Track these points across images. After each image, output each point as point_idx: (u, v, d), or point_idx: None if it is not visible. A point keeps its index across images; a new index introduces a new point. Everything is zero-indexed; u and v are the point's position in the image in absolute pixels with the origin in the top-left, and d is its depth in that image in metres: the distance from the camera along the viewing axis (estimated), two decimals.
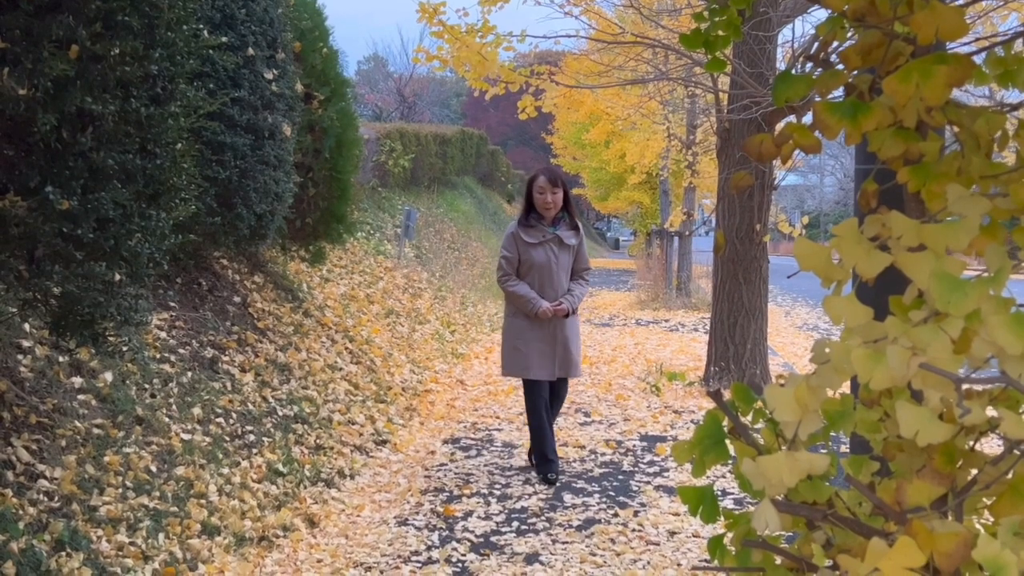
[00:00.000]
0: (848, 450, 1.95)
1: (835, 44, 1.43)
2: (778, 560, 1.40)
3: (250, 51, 5.86)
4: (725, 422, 1.48)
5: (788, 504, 1.34)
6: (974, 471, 1.22)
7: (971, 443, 1.25)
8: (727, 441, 1.47)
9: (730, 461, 1.44)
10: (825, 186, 48.11)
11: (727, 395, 1.46)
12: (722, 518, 1.49)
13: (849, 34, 1.39)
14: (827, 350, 1.20)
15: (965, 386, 1.11)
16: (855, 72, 1.38)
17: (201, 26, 4.25)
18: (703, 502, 1.49)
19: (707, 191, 16.92)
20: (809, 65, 1.47)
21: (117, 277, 3.55)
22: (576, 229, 5.61)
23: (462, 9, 8.33)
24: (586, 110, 16.01)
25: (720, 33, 1.96)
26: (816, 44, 1.47)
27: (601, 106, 14.65)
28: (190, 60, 3.83)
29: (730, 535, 1.47)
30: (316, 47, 7.32)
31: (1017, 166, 1.30)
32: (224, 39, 5.53)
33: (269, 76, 6.05)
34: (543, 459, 5.46)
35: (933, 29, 1.21)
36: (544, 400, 5.52)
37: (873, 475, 1.45)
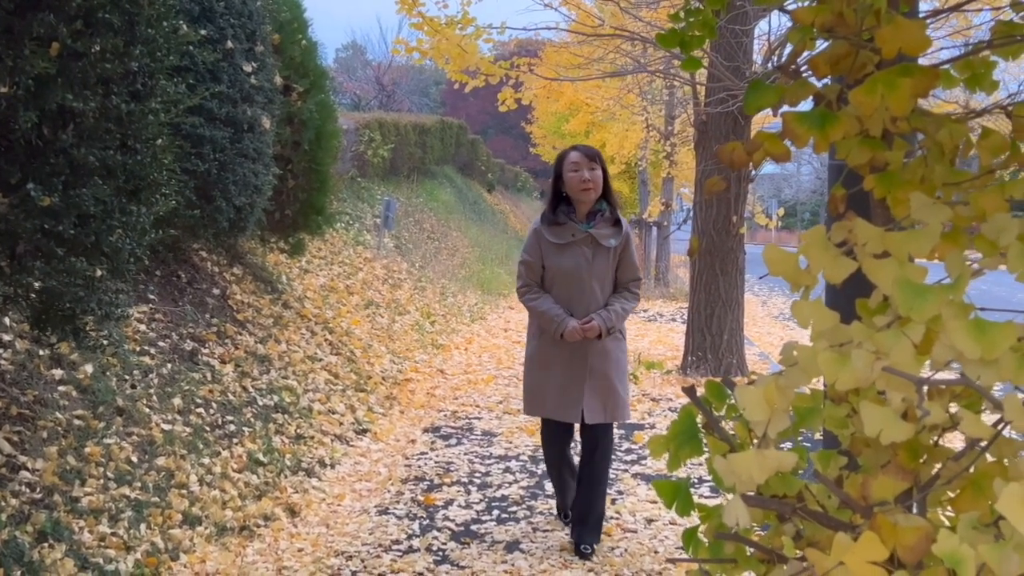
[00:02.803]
0: (821, 441, 2.03)
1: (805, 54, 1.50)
2: (750, 551, 1.47)
3: (229, 44, 5.88)
4: (699, 417, 1.55)
5: (758, 498, 1.40)
6: (937, 466, 1.28)
7: (935, 439, 1.32)
8: (701, 436, 1.55)
9: (704, 454, 1.51)
10: (802, 175, 48.34)
11: (701, 391, 1.53)
12: (696, 511, 1.56)
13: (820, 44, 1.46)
14: (795, 353, 1.27)
15: (927, 387, 1.17)
16: (824, 81, 1.46)
17: (180, 21, 4.27)
18: (678, 496, 1.56)
19: (685, 181, 17.02)
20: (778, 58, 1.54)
21: (98, 272, 3.59)
22: (619, 226, 4.30)
23: (442, 1, 8.37)
24: (566, 101, 16.09)
25: (696, 33, 2.03)
26: (786, 55, 1.54)
27: (581, 97, 14.72)
28: (170, 56, 3.87)
29: (704, 527, 1.54)
30: (295, 39, 7.34)
31: (978, 174, 1.38)
32: (203, 32, 5.57)
33: (248, 69, 6.07)
34: (568, 517, 4.50)
35: (897, 44, 1.27)
36: (563, 451, 4.42)
37: (841, 469, 1.51)
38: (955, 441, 1.29)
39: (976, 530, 1.09)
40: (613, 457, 5.67)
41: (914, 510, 1.26)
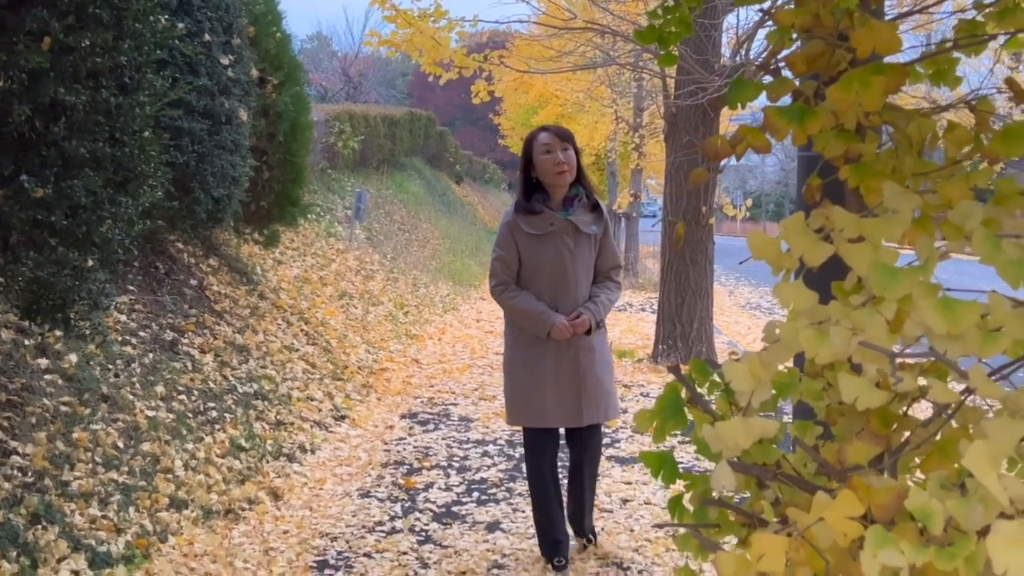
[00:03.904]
0: (791, 419, 2.16)
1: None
2: (732, 517, 1.59)
3: (207, 37, 5.94)
4: (683, 393, 1.68)
5: (741, 465, 1.53)
6: (907, 434, 1.41)
7: (905, 409, 1.45)
8: (685, 410, 1.67)
9: (687, 429, 1.63)
10: (767, 166, 48.77)
11: (684, 370, 1.65)
12: (681, 480, 1.69)
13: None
14: (777, 331, 1.39)
15: (899, 360, 1.30)
16: (801, 79, 1.58)
17: (164, 15, 4.34)
18: (664, 465, 1.69)
19: (653, 172, 17.20)
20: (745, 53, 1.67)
21: (89, 262, 3.67)
22: (598, 211, 3.96)
23: None
24: (535, 93, 16.21)
25: (673, 29, 2.15)
26: (761, 51, 1.67)
27: (551, 89, 14.84)
28: (157, 50, 3.95)
29: (688, 495, 1.66)
30: (270, 31, 7.41)
31: (945, 165, 1.51)
32: (180, 25, 5.62)
33: (225, 62, 6.14)
34: (547, 540, 3.93)
35: (871, 44, 1.40)
36: (554, 461, 3.96)
37: (817, 439, 1.64)
38: (924, 412, 1.42)
39: (944, 488, 1.19)
40: None
41: (886, 474, 1.39)
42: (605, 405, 3.93)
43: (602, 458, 5.41)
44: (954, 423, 1.37)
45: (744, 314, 14.12)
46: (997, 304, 1.23)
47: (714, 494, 1.61)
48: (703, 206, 8.40)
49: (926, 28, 8.65)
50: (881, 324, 1.25)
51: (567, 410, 3.86)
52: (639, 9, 9.32)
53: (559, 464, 4.01)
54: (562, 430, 4.01)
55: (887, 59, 1.50)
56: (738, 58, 7.79)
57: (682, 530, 1.66)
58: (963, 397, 1.32)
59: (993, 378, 1.25)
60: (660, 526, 1.69)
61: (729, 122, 11.71)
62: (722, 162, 9.10)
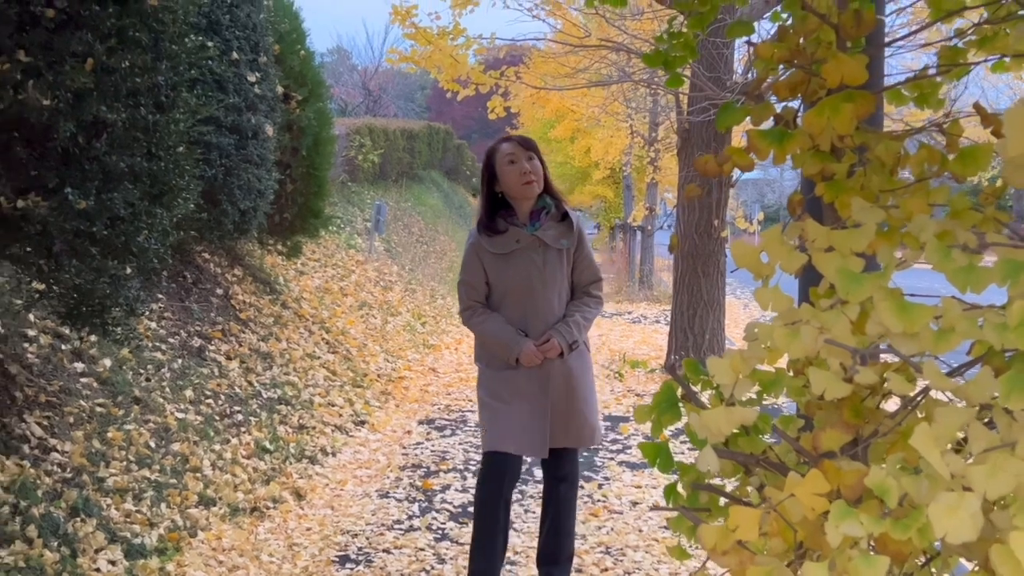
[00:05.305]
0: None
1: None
2: (722, 502, 1.77)
3: (235, 55, 6.18)
4: (679, 391, 1.86)
5: (727, 451, 1.71)
6: (878, 426, 1.59)
7: (877, 403, 1.62)
8: (680, 405, 1.85)
9: (682, 422, 1.81)
10: (785, 180, 48.80)
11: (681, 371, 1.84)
12: (675, 468, 1.86)
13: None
14: (756, 330, 1.58)
15: (859, 356, 1.47)
16: (784, 104, 1.77)
17: (195, 35, 4.57)
18: (660, 455, 1.87)
19: (669, 186, 17.36)
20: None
21: (127, 270, 3.89)
22: (567, 221, 3.68)
23: (434, 12, 8.68)
24: (551, 108, 16.40)
25: (679, 54, 2.34)
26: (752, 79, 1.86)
27: (567, 104, 15.05)
28: (191, 70, 4.17)
29: (682, 481, 1.84)
30: (294, 49, 7.65)
31: (910, 183, 1.69)
32: (210, 44, 5.86)
33: (252, 79, 6.37)
34: None
35: (839, 76, 1.59)
36: (504, 491, 3.58)
37: (799, 430, 1.81)
38: (895, 407, 1.59)
39: (903, 470, 1.35)
40: (599, 446, 5.97)
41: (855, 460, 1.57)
42: (578, 431, 3.60)
43: (612, 463, 5.60)
44: (920, 414, 1.55)
45: None
46: (949, 307, 1.40)
47: (704, 479, 1.80)
48: (715, 219, 8.57)
49: (931, 48, 8.78)
50: (845, 323, 1.42)
51: (532, 436, 3.54)
52: (654, 27, 9.52)
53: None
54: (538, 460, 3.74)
55: (894, 77, 1.67)
56: (750, 75, 7.96)
57: (675, 513, 1.84)
58: (922, 390, 1.49)
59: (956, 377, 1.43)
60: (655, 509, 1.87)
61: (742, 137, 11.85)
62: (734, 176, 9.28)
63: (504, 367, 3.59)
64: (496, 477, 3.54)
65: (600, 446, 6.11)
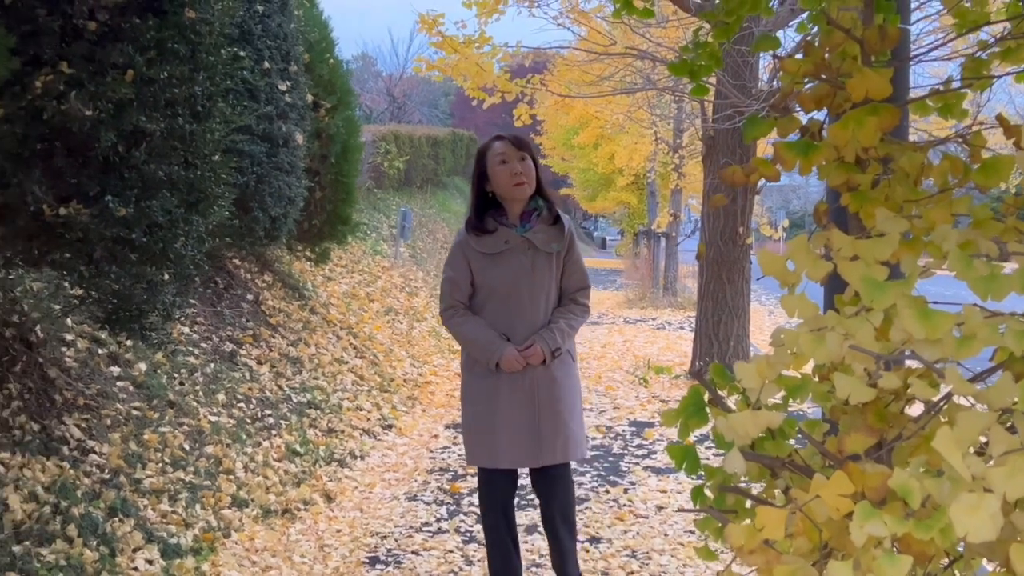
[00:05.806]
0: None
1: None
2: (748, 504, 1.81)
3: (266, 65, 6.29)
4: (705, 396, 1.91)
5: (753, 454, 1.76)
6: (901, 429, 1.63)
7: (902, 407, 1.67)
8: (707, 409, 1.90)
9: (709, 425, 1.85)
10: (810, 186, 48.55)
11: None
12: (702, 470, 1.91)
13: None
14: (782, 336, 1.63)
15: (883, 362, 1.51)
16: (810, 115, 1.82)
17: (228, 46, 4.67)
18: (687, 457, 1.92)
19: (693, 192, 17.37)
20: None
21: (165, 276, 3.98)
22: (559, 225, 3.59)
23: (460, 21, 8.76)
24: (576, 115, 16.46)
25: (704, 63, 2.40)
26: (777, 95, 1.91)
27: (591, 111, 15.10)
28: (227, 80, 4.27)
29: (710, 483, 1.89)
30: (323, 58, 7.76)
31: (934, 194, 1.73)
32: (243, 54, 5.97)
33: (283, 88, 6.48)
34: None
35: (864, 90, 1.63)
36: (508, 510, 3.63)
37: (824, 434, 1.86)
38: (918, 412, 1.63)
39: (926, 472, 1.40)
40: (624, 452, 6.03)
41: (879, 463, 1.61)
42: (564, 443, 3.50)
43: (638, 468, 5.64)
44: (943, 418, 1.59)
45: None
46: (971, 314, 1.44)
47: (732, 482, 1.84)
48: (740, 226, 8.60)
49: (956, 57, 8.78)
50: (869, 330, 1.47)
51: (522, 449, 3.48)
52: (679, 35, 9.57)
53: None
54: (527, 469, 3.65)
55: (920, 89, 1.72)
56: (775, 83, 7.99)
57: (703, 515, 1.89)
58: (944, 395, 1.54)
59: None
60: (682, 511, 1.92)
61: (768, 143, 11.87)
62: (759, 184, 9.31)
63: (487, 374, 3.49)
64: (493, 497, 3.59)
65: (624, 450, 6.15)
